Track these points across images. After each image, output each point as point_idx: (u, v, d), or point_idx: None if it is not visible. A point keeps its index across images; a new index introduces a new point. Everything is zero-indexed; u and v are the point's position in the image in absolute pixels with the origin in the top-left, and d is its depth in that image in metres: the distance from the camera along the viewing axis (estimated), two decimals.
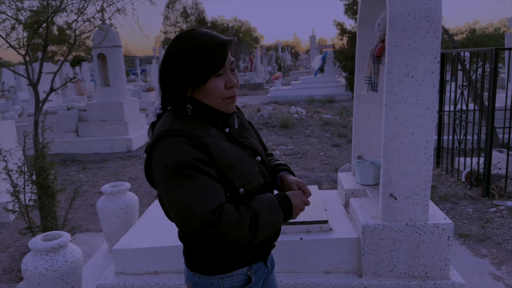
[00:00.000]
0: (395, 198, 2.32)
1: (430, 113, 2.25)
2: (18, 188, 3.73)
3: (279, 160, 1.61)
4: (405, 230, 2.35)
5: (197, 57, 1.20)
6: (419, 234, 2.35)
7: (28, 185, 3.78)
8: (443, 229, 2.35)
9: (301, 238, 2.43)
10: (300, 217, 2.52)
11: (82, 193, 5.69)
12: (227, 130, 1.34)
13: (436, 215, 2.43)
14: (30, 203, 3.79)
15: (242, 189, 1.26)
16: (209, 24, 38.09)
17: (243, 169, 1.29)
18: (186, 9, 47.63)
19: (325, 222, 2.50)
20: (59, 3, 3.69)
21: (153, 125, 1.37)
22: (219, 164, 1.23)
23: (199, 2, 47.28)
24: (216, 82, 1.24)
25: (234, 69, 1.30)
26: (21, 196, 3.75)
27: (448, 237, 2.35)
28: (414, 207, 2.35)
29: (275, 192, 1.43)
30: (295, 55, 56.77)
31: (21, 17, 3.68)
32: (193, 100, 1.28)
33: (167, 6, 47.08)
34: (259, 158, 1.40)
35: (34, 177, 3.75)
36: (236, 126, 1.40)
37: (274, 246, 1.47)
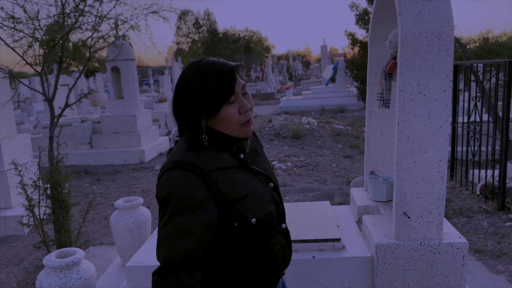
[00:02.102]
0: (409, 217, 2.30)
1: (443, 131, 2.23)
2: (33, 202, 3.79)
3: None
4: (419, 249, 2.32)
5: (206, 88, 1.21)
6: (433, 253, 2.32)
7: (42, 199, 3.84)
8: (457, 248, 2.32)
9: (313, 257, 2.41)
10: (313, 235, 2.52)
11: (95, 205, 5.74)
12: (241, 156, 1.34)
13: (451, 233, 2.40)
14: (45, 217, 3.84)
15: (254, 219, 1.26)
16: (220, 35, 38.37)
17: (254, 198, 1.29)
18: (198, 20, 48.14)
19: (338, 240, 2.48)
20: (74, 21, 3.77)
21: (170, 152, 1.38)
22: (228, 198, 1.23)
23: (211, 13, 47.80)
24: (229, 110, 1.24)
25: (246, 92, 1.31)
26: (36, 210, 3.81)
27: (463, 256, 2.32)
28: (428, 225, 2.33)
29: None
30: (306, 64, 56.84)
31: (37, 35, 3.76)
32: (209, 130, 1.28)
33: (180, 18, 47.64)
34: (271, 184, 1.40)
35: (48, 191, 3.80)
36: (248, 151, 1.40)
37: (284, 274, 1.46)
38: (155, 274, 1.20)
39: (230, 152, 1.33)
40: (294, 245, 2.47)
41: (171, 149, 1.40)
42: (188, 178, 1.19)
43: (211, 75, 1.22)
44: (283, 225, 1.43)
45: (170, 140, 1.42)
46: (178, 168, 1.21)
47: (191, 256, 1.18)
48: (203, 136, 1.28)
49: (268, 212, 1.32)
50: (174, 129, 1.41)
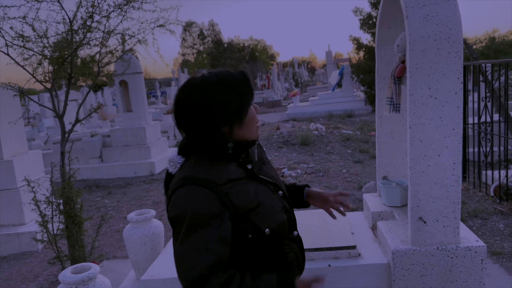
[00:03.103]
0: (425, 222, 2.27)
1: (456, 134, 2.21)
2: (46, 218, 3.81)
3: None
4: (436, 254, 2.29)
5: (234, 95, 1.25)
6: (451, 258, 2.29)
7: (56, 215, 3.86)
8: (475, 252, 2.28)
9: (329, 265, 2.39)
10: (328, 243, 2.50)
11: (107, 219, 5.76)
12: (249, 167, 1.34)
13: (468, 237, 2.37)
14: (58, 232, 3.86)
15: (267, 229, 1.26)
16: (225, 45, 38.61)
17: (266, 208, 1.29)
18: (203, 31, 48.51)
19: (354, 247, 2.46)
20: (82, 37, 3.81)
21: (168, 177, 1.36)
22: (241, 210, 1.23)
23: (215, 23, 48.12)
24: (251, 112, 1.32)
25: None
26: (49, 225, 3.83)
27: (482, 260, 2.28)
28: (445, 230, 2.30)
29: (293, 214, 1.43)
30: (312, 70, 56.91)
31: (46, 52, 3.81)
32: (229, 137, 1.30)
33: (184, 29, 48.05)
34: (280, 193, 1.40)
35: (61, 207, 3.82)
36: (256, 159, 1.40)
37: None
38: None
39: (238, 163, 1.33)
40: (309, 254, 2.45)
41: (169, 174, 1.36)
42: (201, 193, 1.19)
43: (232, 82, 1.26)
44: (295, 233, 1.42)
45: (170, 165, 1.35)
46: (189, 184, 1.21)
47: (213, 271, 1.17)
48: (229, 144, 1.28)
49: (280, 221, 1.32)
50: (173, 155, 1.36)
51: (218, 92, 1.24)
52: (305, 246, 1.46)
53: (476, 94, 5.41)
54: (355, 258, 2.46)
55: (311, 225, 2.82)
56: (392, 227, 2.57)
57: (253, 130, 1.32)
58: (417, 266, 2.31)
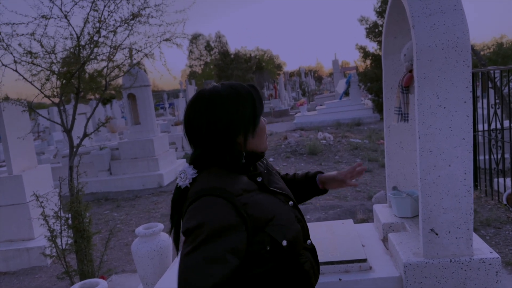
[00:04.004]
0: (437, 234, 2.23)
1: (466, 143, 2.17)
2: (55, 233, 3.81)
3: (300, 171, 1.76)
4: (449, 267, 2.24)
5: (245, 105, 1.29)
6: (465, 270, 2.24)
7: (64, 230, 3.86)
8: (490, 264, 2.22)
9: (340, 279, 2.35)
10: (338, 256, 2.45)
11: (116, 232, 5.75)
12: (259, 179, 1.34)
13: (481, 248, 2.31)
14: (67, 247, 3.86)
15: (284, 240, 1.24)
16: (232, 56, 38.82)
17: (281, 219, 1.28)
18: (210, 42, 48.89)
19: (364, 260, 2.41)
20: (89, 52, 3.85)
21: (178, 194, 1.32)
22: (257, 221, 1.22)
23: (222, 35, 48.46)
24: (262, 122, 1.37)
25: None
26: (58, 240, 3.83)
27: (496, 272, 2.23)
28: (457, 241, 2.24)
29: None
30: (319, 79, 56.96)
31: (54, 68, 3.85)
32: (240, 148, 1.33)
33: (191, 42, 48.48)
34: (291, 203, 1.40)
35: (70, 221, 3.82)
36: (265, 171, 1.42)
37: None
38: None
39: (248, 175, 1.33)
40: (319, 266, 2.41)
41: (178, 189, 1.33)
42: (219, 204, 1.18)
43: (245, 91, 1.31)
44: (308, 242, 1.42)
45: (181, 177, 1.32)
46: (207, 195, 1.20)
47: (226, 282, 1.13)
48: (243, 153, 1.31)
49: (296, 231, 1.32)
50: (185, 167, 1.33)
51: (233, 103, 1.28)
52: None
53: (485, 101, 5.35)
54: (366, 271, 2.41)
55: (321, 237, 2.78)
56: (404, 239, 2.52)
57: (264, 140, 1.37)
58: (430, 279, 2.26)
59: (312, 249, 1.42)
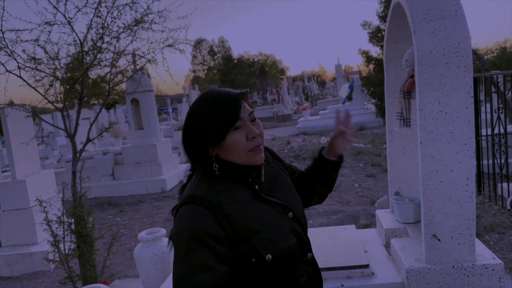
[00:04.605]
0: (439, 240, 2.22)
1: (468, 148, 2.17)
2: (58, 238, 3.82)
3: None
4: (451, 273, 2.23)
5: (210, 116, 1.23)
6: (467, 276, 2.22)
7: (67, 235, 3.87)
8: (492, 270, 2.21)
9: (342, 285, 2.34)
10: (340, 262, 2.45)
11: (119, 237, 5.76)
12: (256, 187, 1.31)
13: (484, 254, 2.30)
14: (70, 252, 3.86)
15: (269, 255, 1.22)
16: (235, 61, 38.94)
17: (269, 233, 1.25)
18: (213, 47, 49.07)
19: (367, 266, 2.40)
20: (93, 58, 3.87)
21: (182, 188, 1.37)
22: (240, 233, 1.20)
23: (225, 40, 48.65)
24: (235, 136, 1.24)
25: (254, 118, 1.30)
26: (61, 245, 3.84)
27: (499, 278, 2.21)
28: (460, 247, 2.24)
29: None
30: (322, 84, 57.00)
31: (58, 74, 3.87)
32: (218, 159, 1.28)
33: (195, 47, 48.67)
34: (291, 214, 1.34)
35: (73, 226, 3.83)
36: (263, 180, 1.36)
37: None
38: None
39: (245, 183, 1.30)
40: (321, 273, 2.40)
41: (184, 184, 1.38)
42: (198, 212, 1.18)
43: (215, 103, 1.24)
44: (309, 255, 1.37)
45: (184, 176, 1.43)
46: (189, 203, 1.21)
47: None
48: (214, 165, 1.27)
49: (287, 245, 1.27)
50: (187, 164, 1.40)
51: (205, 110, 1.25)
52: None
53: (488, 105, 5.34)
54: (369, 277, 2.40)
55: (323, 243, 2.78)
56: (406, 244, 2.52)
57: (239, 155, 1.25)
58: (432, 285, 2.25)
59: (313, 263, 1.38)
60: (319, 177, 1.60)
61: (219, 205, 1.20)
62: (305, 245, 1.37)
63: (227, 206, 1.21)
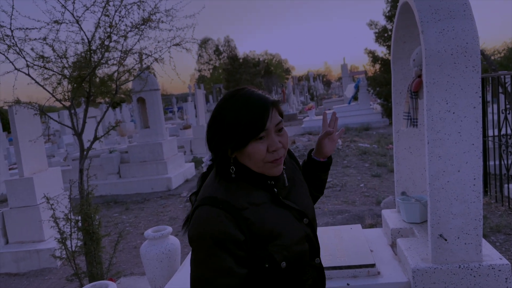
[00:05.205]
0: (445, 240, 2.22)
1: (475, 149, 2.17)
2: (65, 235, 3.85)
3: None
4: (458, 273, 2.23)
5: (236, 121, 1.18)
6: (474, 276, 2.22)
7: (74, 232, 3.90)
8: (499, 270, 2.21)
9: (348, 284, 2.34)
10: (346, 261, 2.45)
11: (125, 235, 5.78)
12: (275, 190, 1.29)
13: (491, 255, 2.30)
14: (76, 249, 3.89)
15: (284, 262, 1.22)
16: (241, 60, 38.95)
17: (285, 239, 1.24)
18: (219, 47, 49.11)
19: (373, 265, 2.41)
20: (100, 57, 3.89)
21: (203, 176, 1.37)
22: (258, 238, 1.20)
23: (231, 39, 48.67)
24: (257, 146, 1.20)
25: (281, 128, 1.25)
26: (68, 242, 3.86)
27: (506, 279, 2.21)
28: (466, 247, 2.23)
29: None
30: (327, 83, 56.87)
31: (66, 72, 3.90)
32: (236, 162, 1.26)
33: (200, 46, 48.73)
34: (306, 220, 1.34)
35: (80, 224, 3.86)
36: (287, 184, 1.34)
37: None
38: None
39: (264, 186, 1.28)
40: (327, 272, 2.39)
41: (203, 174, 1.38)
42: (219, 216, 1.17)
43: (244, 107, 1.19)
44: (317, 260, 1.38)
45: (202, 165, 1.42)
46: (210, 205, 1.19)
47: None
48: (231, 168, 1.25)
49: (299, 251, 1.28)
50: (208, 154, 1.38)
51: (232, 111, 1.20)
52: (323, 265, 1.43)
53: (495, 106, 5.32)
54: (374, 276, 2.41)
55: (329, 242, 2.78)
56: (412, 244, 2.52)
57: (257, 165, 1.23)
58: (438, 285, 2.25)
59: (319, 268, 1.38)
60: (309, 179, 1.62)
61: (239, 209, 1.19)
62: (316, 250, 1.38)
63: (246, 211, 1.20)
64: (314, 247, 1.36)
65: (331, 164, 1.66)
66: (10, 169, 11.60)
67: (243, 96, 1.22)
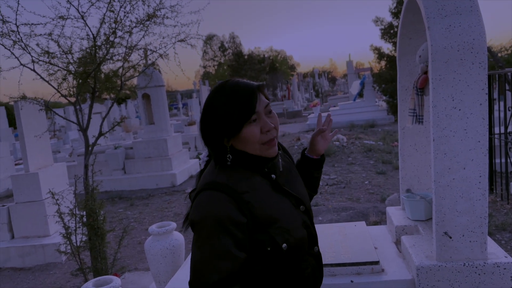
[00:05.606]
0: (450, 237, 2.20)
1: (481, 146, 2.15)
2: (70, 230, 3.87)
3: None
4: (462, 271, 2.21)
5: (227, 108, 1.23)
6: (479, 274, 2.21)
7: (79, 227, 3.92)
8: (504, 268, 2.19)
9: (351, 281, 2.34)
10: (350, 258, 2.45)
11: (129, 231, 5.81)
12: (273, 176, 1.34)
13: (496, 253, 2.28)
14: (81, 244, 3.91)
15: (285, 244, 1.24)
16: (246, 57, 38.88)
17: (286, 223, 1.27)
18: (224, 43, 49.02)
19: (377, 263, 2.40)
20: (105, 52, 3.90)
21: (200, 174, 1.40)
22: (259, 221, 1.22)
23: (236, 36, 48.57)
24: (250, 129, 1.25)
25: (270, 111, 1.31)
26: (73, 237, 3.89)
27: (511, 277, 2.19)
28: (471, 245, 2.22)
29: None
30: (332, 80, 56.69)
31: (71, 68, 3.91)
32: (233, 149, 1.30)
33: (205, 42, 48.65)
34: (302, 207, 1.38)
35: (84, 219, 3.88)
36: (281, 169, 1.39)
37: None
38: None
39: (262, 173, 1.32)
40: (331, 269, 2.41)
41: (201, 171, 1.41)
42: (220, 198, 1.19)
43: (233, 95, 1.25)
44: (315, 248, 1.41)
45: (200, 162, 1.44)
46: (211, 189, 1.22)
47: (231, 276, 1.17)
48: (228, 156, 1.28)
49: (299, 237, 1.30)
50: (205, 151, 1.42)
51: (223, 101, 1.25)
52: (327, 261, 1.45)
53: (502, 103, 5.27)
54: (379, 273, 2.40)
55: (333, 239, 2.78)
56: (417, 241, 2.50)
57: (253, 148, 1.27)
58: (443, 283, 2.24)
59: (317, 256, 1.41)
60: (302, 177, 1.65)
61: (240, 192, 1.22)
62: (313, 238, 1.41)
63: (247, 194, 1.23)
64: (312, 234, 1.39)
65: (324, 162, 1.72)
66: (16, 164, 11.68)
67: (230, 86, 1.27)
